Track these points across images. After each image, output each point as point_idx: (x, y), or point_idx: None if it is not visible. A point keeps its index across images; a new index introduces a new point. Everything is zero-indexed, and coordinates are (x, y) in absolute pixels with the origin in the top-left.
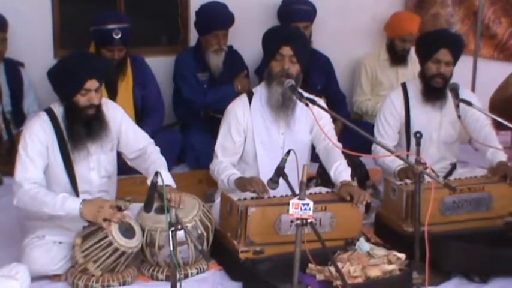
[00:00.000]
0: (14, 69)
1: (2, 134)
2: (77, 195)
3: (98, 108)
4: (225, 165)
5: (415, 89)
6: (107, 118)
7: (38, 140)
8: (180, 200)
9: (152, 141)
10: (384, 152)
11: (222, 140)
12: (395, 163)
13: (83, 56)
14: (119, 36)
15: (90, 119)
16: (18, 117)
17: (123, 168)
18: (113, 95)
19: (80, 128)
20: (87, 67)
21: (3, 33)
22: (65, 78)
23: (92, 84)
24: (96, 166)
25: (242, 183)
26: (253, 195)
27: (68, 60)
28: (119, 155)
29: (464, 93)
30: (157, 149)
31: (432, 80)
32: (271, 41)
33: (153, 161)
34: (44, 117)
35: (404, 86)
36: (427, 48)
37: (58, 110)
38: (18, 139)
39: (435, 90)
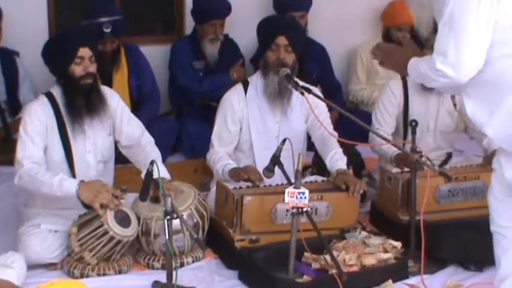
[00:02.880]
0: (9, 59)
1: None
2: (75, 178)
3: (95, 79)
4: (221, 155)
5: None
6: (105, 96)
7: (37, 120)
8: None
9: (146, 131)
10: (380, 140)
11: (218, 129)
12: (391, 149)
13: (73, 26)
14: (110, 29)
15: (89, 90)
16: (14, 107)
17: (120, 157)
18: (107, 85)
19: (79, 101)
20: (78, 34)
21: None
22: (58, 48)
23: (85, 52)
24: (92, 149)
25: (236, 173)
26: (249, 184)
27: (59, 32)
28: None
29: None
30: (152, 140)
31: None
32: (267, 31)
33: (147, 154)
34: (44, 99)
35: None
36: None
37: (57, 92)
38: (14, 127)
39: None
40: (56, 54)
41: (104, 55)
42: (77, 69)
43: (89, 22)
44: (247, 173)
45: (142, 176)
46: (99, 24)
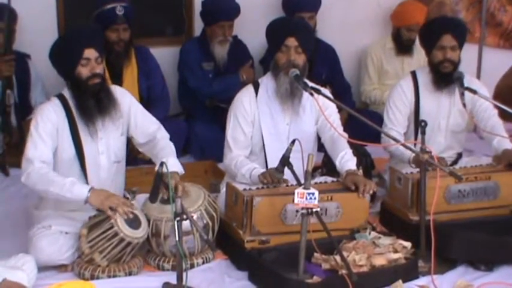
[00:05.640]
0: (21, 61)
1: (12, 125)
2: (86, 179)
3: (103, 79)
4: (242, 159)
5: (424, 77)
6: (115, 96)
7: (49, 121)
8: (182, 189)
9: (161, 126)
10: (391, 141)
11: (232, 131)
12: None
13: (77, 27)
14: (122, 12)
15: (98, 90)
16: (24, 109)
17: (130, 159)
18: (118, 83)
19: (89, 102)
20: (82, 35)
21: (13, 25)
22: (63, 51)
23: (90, 53)
24: (105, 150)
25: (261, 177)
26: (259, 185)
27: (64, 34)
28: (128, 142)
29: (473, 82)
30: (167, 135)
31: (440, 65)
32: (276, 33)
33: (161, 148)
34: (56, 101)
35: (414, 74)
36: (430, 37)
37: (68, 94)
38: (25, 129)
39: (445, 75)
40: (62, 57)
41: (117, 45)
42: (84, 71)
43: (100, 10)
44: (266, 177)
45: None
46: (111, 8)
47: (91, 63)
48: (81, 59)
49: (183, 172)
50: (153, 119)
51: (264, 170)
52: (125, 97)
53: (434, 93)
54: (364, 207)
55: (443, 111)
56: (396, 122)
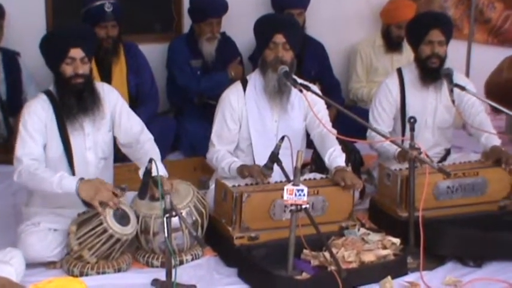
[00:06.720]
0: (11, 59)
1: None
2: (74, 174)
3: (87, 79)
4: (223, 153)
5: (410, 75)
6: (101, 96)
7: (37, 118)
8: (172, 187)
9: (145, 128)
10: (379, 138)
11: (217, 128)
12: (393, 146)
13: (67, 25)
14: (111, 9)
15: (81, 90)
16: (14, 106)
17: (118, 155)
18: (107, 81)
19: (71, 100)
20: (70, 34)
21: (1, 21)
22: (50, 47)
23: (76, 52)
24: (92, 146)
25: (243, 171)
26: (248, 181)
27: (53, 30)
28: (115, 140)
29: (459, 78)
30: (151, 137)
31: (428, 60)
32: (264, 30)
33: (145, 152)
34: (43, 97)
35: (399, 72)
36: (418, 32)
37: (54, 90)
38: (16, 126)
39: (432, 71)
40: (48, 53)
41: (106, 41)
42: (67, 69)
43: (88, 7)
44: (250, 172)
45: (140, 174)
46: (99, 6)
47: (76, 62)
48: (66, 57)
49: (167, 176)
50: (138, 119)
51: (242, 163)
52: (112, 94)
53: (420, 89)
54: (349, 201)
55: (429, 107)
56: (381, 121)
